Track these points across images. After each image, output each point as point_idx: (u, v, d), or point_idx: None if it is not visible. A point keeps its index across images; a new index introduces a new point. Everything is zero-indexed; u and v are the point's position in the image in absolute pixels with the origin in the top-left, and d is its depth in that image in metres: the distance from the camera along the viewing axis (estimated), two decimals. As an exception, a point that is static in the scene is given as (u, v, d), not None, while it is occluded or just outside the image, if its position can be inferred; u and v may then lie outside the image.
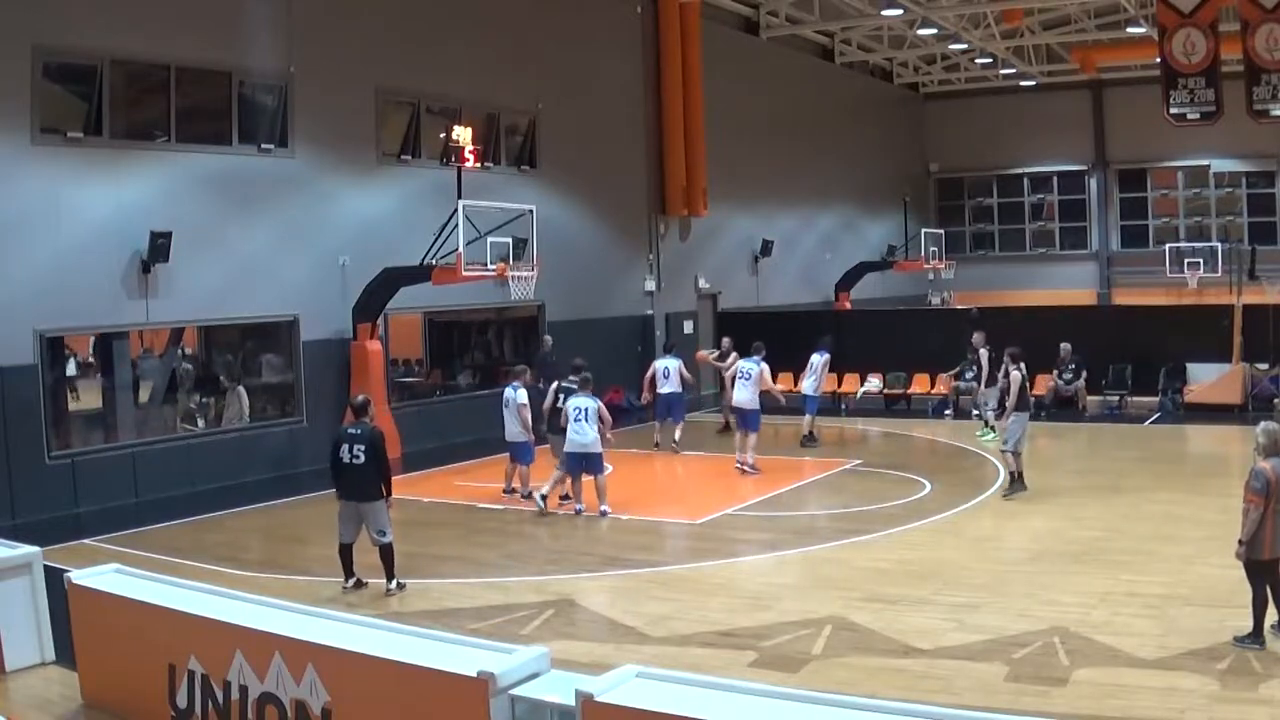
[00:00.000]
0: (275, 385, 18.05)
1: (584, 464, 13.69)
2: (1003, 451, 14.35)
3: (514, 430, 14.20)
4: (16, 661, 8.50)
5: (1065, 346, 21.22)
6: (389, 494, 10.59)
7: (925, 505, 13.84)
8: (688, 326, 26.30)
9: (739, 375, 16.55)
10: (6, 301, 14.04)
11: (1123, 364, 21.76)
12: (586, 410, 13.61)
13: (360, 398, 11.33)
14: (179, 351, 17.26)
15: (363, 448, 10.37)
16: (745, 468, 16.03)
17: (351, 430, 10.61)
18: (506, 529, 13.39)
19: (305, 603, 7.95)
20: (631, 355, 24.35)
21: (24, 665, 8.52)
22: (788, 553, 11.89)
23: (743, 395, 16.33)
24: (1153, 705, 7.31)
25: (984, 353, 18.73)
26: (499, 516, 13.98)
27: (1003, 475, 14.58)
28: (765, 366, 16.50)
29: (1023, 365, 14.39)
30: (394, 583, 10.55)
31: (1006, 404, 14.24)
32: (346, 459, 10.42)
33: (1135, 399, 21.63)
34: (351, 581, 10.61)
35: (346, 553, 10.62)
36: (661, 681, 5.68)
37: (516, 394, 14.11)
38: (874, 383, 22.61)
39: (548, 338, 20.75)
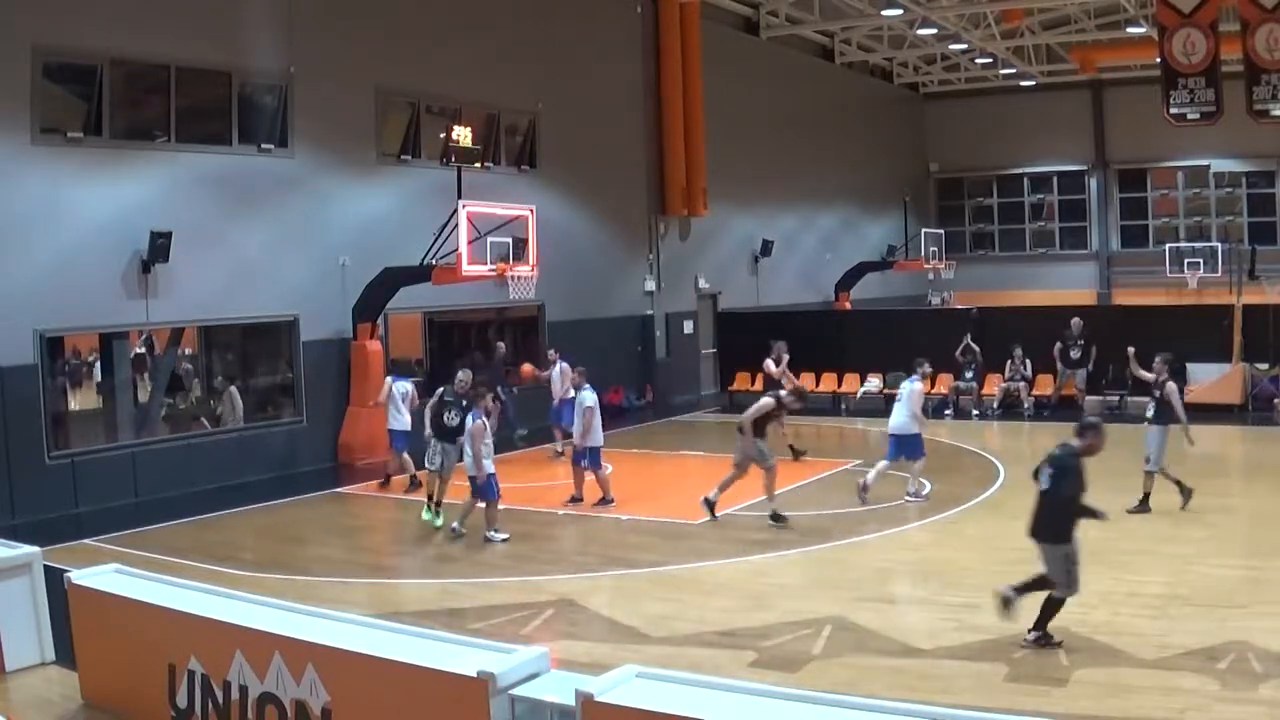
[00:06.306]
0: (275, 385, 18.05)
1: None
2: (1164, 474, 13.01)
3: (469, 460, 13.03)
4: (16, 661, 8.50)
5: (1076, 321, 21.42)
6: None
7: (925, 505, 13.86)
8: (688, 326, 26.32)
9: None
10: (6, 301, 14.04)
11: (1123, 364, 21.72)
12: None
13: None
14: (179, 351, 17.25)
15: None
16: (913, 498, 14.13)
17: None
18: (506, 529, 13.35)
19: (305, 603, 7.94)
20: (631, 355, 24.37)
21: (24, 665, 8.52)
22: (788, 553, 11.88)
23: (898, 420, 14.19)
24: (1153, 705, 7.30)
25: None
26: (498, 517, 13.94)
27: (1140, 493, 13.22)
28: (918, 386, 14.41)
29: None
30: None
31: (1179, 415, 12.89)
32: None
33: (1135, 399, 21.58)
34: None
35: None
36: (661, 681, 5.68)
37: (478, 421, 12.90)
38: (874, 383, 22.58)
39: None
